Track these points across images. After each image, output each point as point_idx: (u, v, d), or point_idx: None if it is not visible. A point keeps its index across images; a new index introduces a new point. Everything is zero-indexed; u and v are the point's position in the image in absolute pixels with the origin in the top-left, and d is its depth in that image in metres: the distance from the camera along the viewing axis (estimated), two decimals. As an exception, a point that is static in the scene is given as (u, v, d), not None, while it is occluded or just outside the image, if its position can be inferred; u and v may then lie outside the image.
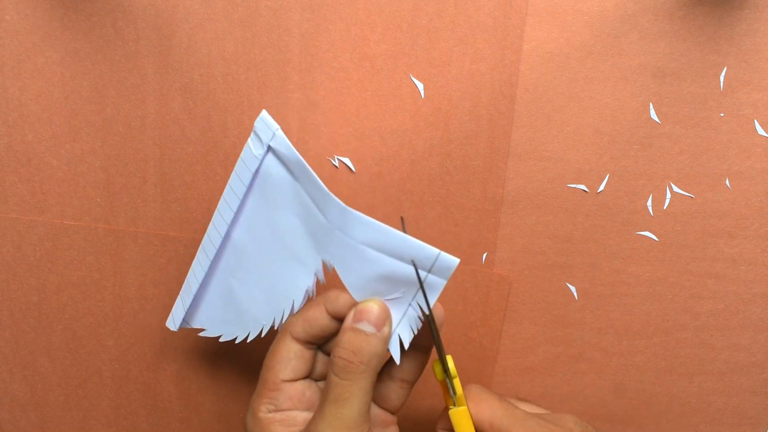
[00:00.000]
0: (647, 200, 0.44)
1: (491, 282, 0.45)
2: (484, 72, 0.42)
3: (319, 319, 0.35)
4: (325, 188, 0.33)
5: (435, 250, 0.31)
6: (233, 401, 0.46)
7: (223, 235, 0.38)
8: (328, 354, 0.37)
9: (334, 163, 0.43)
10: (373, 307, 0.33)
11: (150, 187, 0.43)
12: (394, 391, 0.36)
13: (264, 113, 0.36)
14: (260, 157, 0.36)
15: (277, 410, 0.35)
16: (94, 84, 0.42)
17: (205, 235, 0.39)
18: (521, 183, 0.44)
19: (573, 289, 0.45)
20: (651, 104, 0.42)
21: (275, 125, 0.35)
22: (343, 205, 0.33)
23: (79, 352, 0.46)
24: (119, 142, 0.43)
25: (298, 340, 0.35)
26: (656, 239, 0.44)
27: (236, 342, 0.40)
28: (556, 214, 0.44)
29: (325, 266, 0.35)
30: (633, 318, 0.46)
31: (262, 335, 0.39)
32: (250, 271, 0.39)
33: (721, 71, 0.42)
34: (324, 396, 0.33)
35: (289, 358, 0.35)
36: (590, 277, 0.45)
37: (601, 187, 0.44)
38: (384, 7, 0.41)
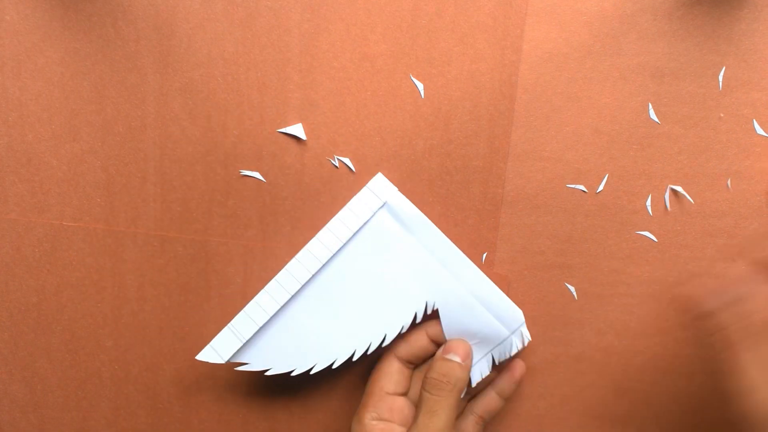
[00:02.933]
0: (646, 200, 0.44)
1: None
2: (484, 72, 0.42)
3: (419, 341, 0.43)
4: (448, 239, 0.42)
5: (521, 318, 0.42)
6: (233, 402, 0.46)
7: (312, 273, 0.41)
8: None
9: (334, 163, 0.43)
10: (461, 344, 0.41)
11: (150, 187, 0.43)
12: (471, 424, 0.43)
13: (380, 175, 0.42)
14: (375, 210, 0.42)
15: (380, 419, 0.41)
16: (94, 84, 0.42)
17: (284, 270, 0.41)
18: (521, 183, 0.44)
19: (572, 289, 0.45)
20: (650, 104, 0.42)
21: (393, 186, 0.42)
22: (466, 257, 0.42)
23: (78, 353, 0.46)
24: (119, 142, 0.43)
25: (400, 359, 0.42)
26: (655, 239, 0.44)
27: (292, 374, 0.42)
28: (556, 214, 0.44)
29: (426, 307, 0.42)
30: (633, 318, 0.46)
31: (333, 366, 0.41)
32: (332, 309, 0.42)
33: (720, 71, 0.42)
34: (418, 410, 0.40)
35: (392, 373, 0.42)
36: (590, 277, 0.45)
37: (601, 187, 0.44)
38: (384, 7, 0.41)
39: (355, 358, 0.41)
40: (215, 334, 0.43)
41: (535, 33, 0.42)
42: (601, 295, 0.45)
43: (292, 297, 0.41)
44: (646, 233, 0.44)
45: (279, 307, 0.41)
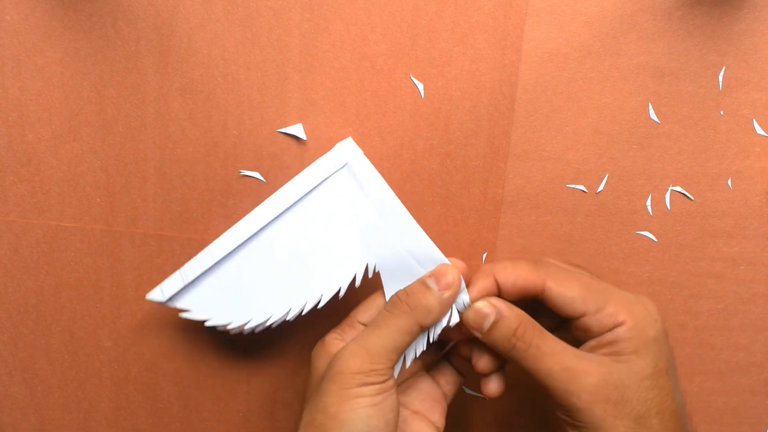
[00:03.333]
0: (646, 200, 0.44)
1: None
2: (484, 72, 0.42)
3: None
4: (399, 202, 0.40)
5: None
6: (233, 401, 0.46)
7: (263, 225, 0.40)
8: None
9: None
10: (448, 272, 0.37)
11: (150, 187, 0.43)
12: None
13: (350, 140, 0.41)
14: (333, 170, 0.40)
15: (341, 340, 0.38)
16: (94, 84, 0.42)
17: (239, 222, 0.40)
18: (521, 183, 0.44)
19: (573, 289, 0.45)
20: (650, 104, 0.42)
21: (359, 150, 0.40)
22: (410, 217, 0.39)
23: (78, 354, 0.46)
24: (119, 142, 0.42)
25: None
26: (655, 239, 0.44)
27: (227, 327, 0.40)
28: (556, 214, 0.44)
29: (366, 269, 0.40)
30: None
31: (268, 324, 0.40)
32: (275, 264, 0.40)
33: (720, 71, 0.42)
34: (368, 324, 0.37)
35: (370, 306, 0.39)
36: (590, 277, 0.45)
37: (601, 187, 0.44)
38: (384, 7, 0.41)
39: (289, 317, 0.40)
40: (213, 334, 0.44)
41: (535, 33, 0.42)
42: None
43: (241, 247, 0.40)
44: (646, 233, 0.44)
45: (225, 253, 0.40)
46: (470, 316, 0.37)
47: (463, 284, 0.38)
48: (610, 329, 0.35)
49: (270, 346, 0.46)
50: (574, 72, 0.42)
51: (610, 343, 0.35)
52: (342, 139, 0.41)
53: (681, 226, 0.44)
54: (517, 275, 0.37)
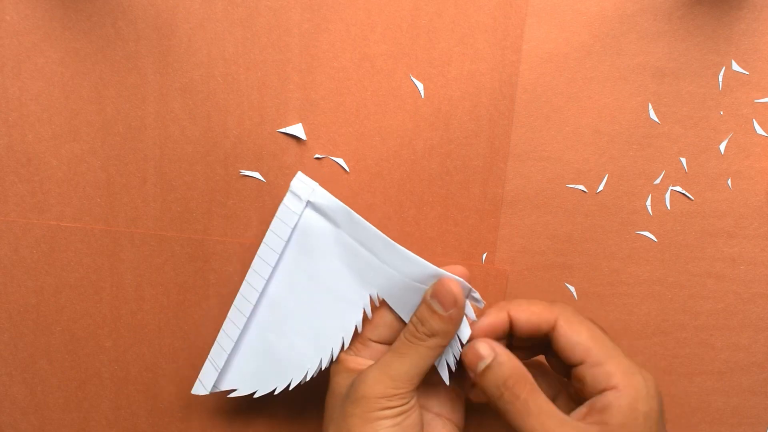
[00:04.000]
0: (646, 200, 0.44)
1: (489, 277, 0.45)
2: (484, 72, 0.42)
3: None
4: (374, 228, 0.39)
5: (467, 285, 0.37)
6: (234, 401, 0.46)
7: (260, 292, 0.41)
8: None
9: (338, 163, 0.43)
10: (448, 290, 0.36)
11: (150, 187, 0.43)
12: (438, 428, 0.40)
13: (300, 174, 0.41)
14: (299, 213, 0.40)
15: (358, 357, 0.39)
16: (94, 84, 0.42)
17: (238, 294, 0.41)
18: (521, 183, 0.44)
19: (572, 289, 0.45)
20: (650, 104, 0.42)
21: (313, 182, 0.40)
22: (391, 241, 0.38)
23: (78, 354, 0.46)
24: (119, 142, 0.42)
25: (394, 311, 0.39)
26: (655, 239, 0.44)
27: (275, 393, 0.41)
28: (556, 214, 0.44)
29: (372, 300, 0.39)
30: (633, 318, 0.46)
31: (307, 379, 0.40)
32: (289, 322, 0.41)
33: (720, 71, 0.42)
34: (389, 349, 0.37)
35: (378, 324, 0.39)
36: (590, 277, 0.45)
37: (601, 187, 0.44)
38: (384, 7, 0.41)
39: (324, 367, 0.40)
40: (213, 333, 0.44)
41: (535, 33, 0.42)
42: (601, 295, 0.45)
43: (252, 317, 0.41)
44: (646, 233, 0.44)
45: (239, 330, 0.41)
46: (468, 354, 0.37)
47: (468, 309, 0.37)
48: (602, 391, 0.34)
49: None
50: (574, 72, 0.42)
51: (600, 411, 0.34)
52: (294, 174, 0.41)
53: (681, 226, 0.44)
54: (531, 311, 0.37)
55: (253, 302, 0.41)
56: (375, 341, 0.40)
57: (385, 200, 0.44)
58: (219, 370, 0.41)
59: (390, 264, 0.38)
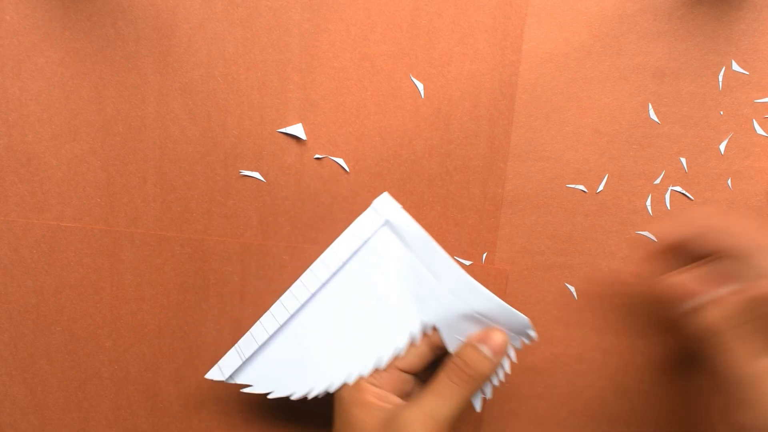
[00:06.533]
0: (646, 200, 0.44)
1: (489, 276, 0.45)
2: (484, 72, 0.42)
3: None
4: (449, 259, 0.39)
5: (527, 323, 0.38)
6: (233, 401, 0.46)
7: (312, 293, 0.40)
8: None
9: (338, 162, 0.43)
10: (498, 337, 0.38)
11: (150, 187, 0.43)
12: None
13: (386, 195, 0.41)
14: (375, 229, 0.40)
15: (378, 388, 0.39)
16: (94, 84, 0.42)
17: (288, 292, 0.41)
18: (521, 183, 0.44)
19: (572, 289, 0.45)
20: (650, 104, 0.42)
21: (398, 205, 0.41)
22: (464, 273, 0.39)
23: (78, 354, 0.46)
24: (119, 142, 0.42)
25: (430, 344, 0.40)
26: (655, 239, 0.44)
27: (291, 398, 0.41)
28: (556, 214, 0.44)
29: (424, 328, 0.40)
30: (633, 318, 0.46)
31: (330, 391, 0.40)
32: (329, 330, 0.41)
33: (720, 71, 0.42)
34: (427, 389, 0.37)
35: (412, 354, 0.40)
36: (590, 277, 0.45)
37: (601, 187, 0.44)
38: (384, 7, 0.41)
39: (350, 382, 0.40)
40: (213, 333, 0.43)
41: (535, 33, 0.42)
42: (601, 295, 0.45)
43: (293, 317, 0.41)
44: (646, 233, 0.44)
45: (279, 326, 0.41)
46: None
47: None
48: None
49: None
50: (574, 72, 0.42)
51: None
52: (379, 194, 0.41)
53: (681, 226, 0.44)
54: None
55: (302, 302, 0.40)
56: (401, 369, 0.40)
57: (385, 200, 0.44)
58: (244, 360, 0.41)
59: (457, 294, 0.39)
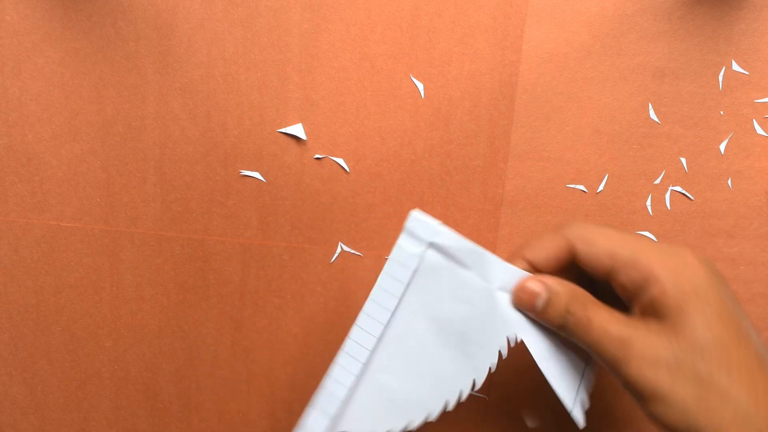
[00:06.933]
0: (646, 200, 0.44)
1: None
2: (484, 72, 0.42)
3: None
4: (510, 266, 0.36)
5: None
6: (233, 401, 0.46)
7: (378, 337, 0.38)
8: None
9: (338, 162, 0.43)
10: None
11: (150, 187, 0.43)
12: None
13: (416, 212, 0.37)
14: (420, 254, 0.37)
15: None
16: (94, 84, 0.42)
17: (349, 339, 0.38)
18: (521, 183, 0.44)
19: (573, 289, 0.45)
20: (650, 104, 0.42)
21: (435, 221, 0.36)
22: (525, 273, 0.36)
23: (78, 354, 0.46)
24: (119, 142, 0.43)
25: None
26: (655, 239, 0.44)
27: None
28: (556, 214, 0.44)
29: (509, 342, 0.37)
30: (633, 318, 0.46)
31: (430, 419, 0.38)
32: (408, 364, 0.38)
33: (720, 71, 0.42)
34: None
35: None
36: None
37: (601, 187, 0.44)
38: (384, 7, 0.41)
39: (450, 408, 0.38)
40: (213, 333, 0.43)
41: (535, 33, 0.42)
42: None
43: (367, 366, 0.38)
44: (646, 233, 0.44)
45: (355, 377, 0.38)
46: (522, 296, 0.35)
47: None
48: (643, 286, 0.33)
49: (270, 347, 0.46)
50: (574, 72, 0.42)
51: (651, 305, 0.32)
52: (408, 215, 0.37)
53: (681, 226, 0.44)
54: (545, 248, 0.36)
55: (370, 348, 0.38)
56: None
57: (385, 200, 0.44)
58: (332, 418, 0.38)
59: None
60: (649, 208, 0.44)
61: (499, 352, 0.37)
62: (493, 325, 0.37)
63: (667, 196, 0.44)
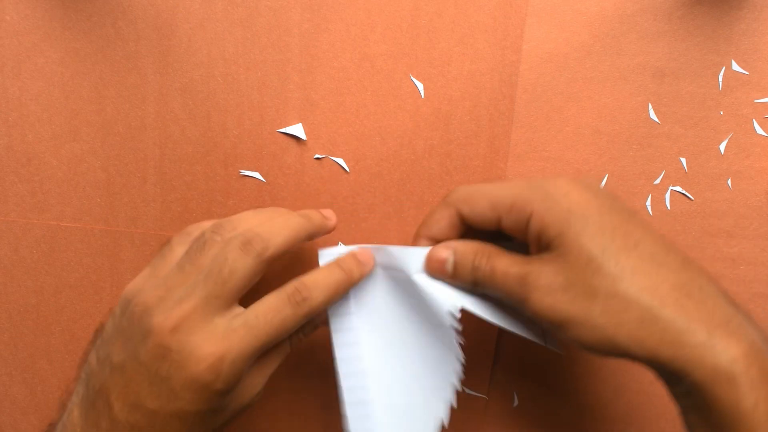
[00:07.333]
0: (646, 200, 0.44)
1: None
2: (484, 72, 0.42)
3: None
4: (414, 248, 0.37)
5: None
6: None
7: (367, 372, 0.38)
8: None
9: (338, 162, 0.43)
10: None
11: (150, 187, 0.43)
12: None
13: (322, 251, 0.38)
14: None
15: None
16: (94, 84, 0.42)
17: (341, 377, 0.38)
18: (521, 183, 0.44)
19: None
20: (650, 104, 0.42)
21: (338, 248, 0.38)
22: (405, 247, 0.37)
23: (78, 354, 0.46)
24: (119, 142, 0.42)
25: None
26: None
27: None
28: (556, 214, 0.44)
29: (452, 314, 0.36)
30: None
31: (445, 423, 0.37)
32: (402, 372, 0.38)
33: (720, 71, 0.42)
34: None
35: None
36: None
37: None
38: (384, 7, 0.41)
39: (454, 404, 0.37)
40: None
41: (535, 33, 0.42)
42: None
43: (368, 388, 0.38)
44: (646, 233, 0.44)
45: (367, 407, 0.38)
46: (432, 263, 0.36)
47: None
48: (527, 224, 0.33)
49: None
50: (574, 72, 0.42)
51: (539, 239, 0.33)
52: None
53: (681, 226, 0.44)
54: (437, 221, 0.37)
55: (365, 371, 0.38)
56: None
57: (385, 200, 0.44)
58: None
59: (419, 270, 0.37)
60: (649, 208, 0.44)
61: (454, 328, 0.36)
62: (436, 305, 0.36)
63: (667, 196, 0.44)
